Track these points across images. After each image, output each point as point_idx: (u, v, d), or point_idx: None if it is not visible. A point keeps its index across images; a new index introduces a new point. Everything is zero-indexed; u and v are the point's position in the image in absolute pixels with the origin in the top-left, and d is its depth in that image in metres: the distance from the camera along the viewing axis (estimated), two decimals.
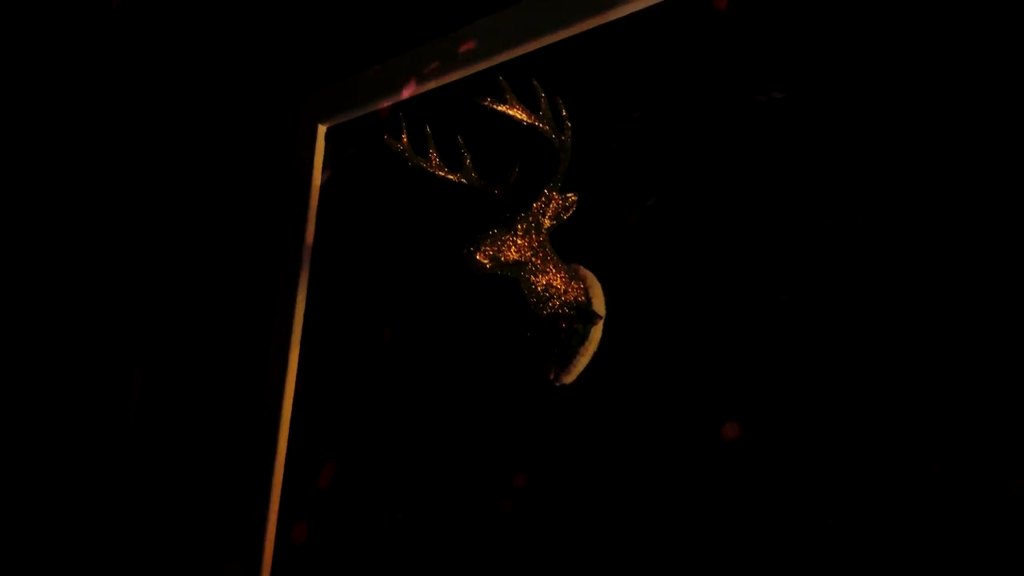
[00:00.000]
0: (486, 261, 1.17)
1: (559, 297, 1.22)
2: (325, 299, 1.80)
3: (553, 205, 1.22)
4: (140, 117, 2.43)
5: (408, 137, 1.27)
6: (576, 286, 1.24)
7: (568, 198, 1.22)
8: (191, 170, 2.21)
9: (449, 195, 1.49)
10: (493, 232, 1.18)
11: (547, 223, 1.22)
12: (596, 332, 1.24)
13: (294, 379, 1.79)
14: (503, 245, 1.19)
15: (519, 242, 1.20)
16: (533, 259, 1.21)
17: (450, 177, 1.28)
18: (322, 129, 1.90)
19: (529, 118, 1.14)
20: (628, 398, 1.22)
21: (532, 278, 1.21)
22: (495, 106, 1.12)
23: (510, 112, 1.13)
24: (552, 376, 1.25)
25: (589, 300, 1.24)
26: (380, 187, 1.75)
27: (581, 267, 1.27)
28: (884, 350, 1.00)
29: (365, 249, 1.75)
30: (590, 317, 1.23)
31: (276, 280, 1.85)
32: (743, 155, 1.18)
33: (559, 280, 1.23)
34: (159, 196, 2.29)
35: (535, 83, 1.15)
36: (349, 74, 1.85)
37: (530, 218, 1.21)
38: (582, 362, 1.24)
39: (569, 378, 1.25)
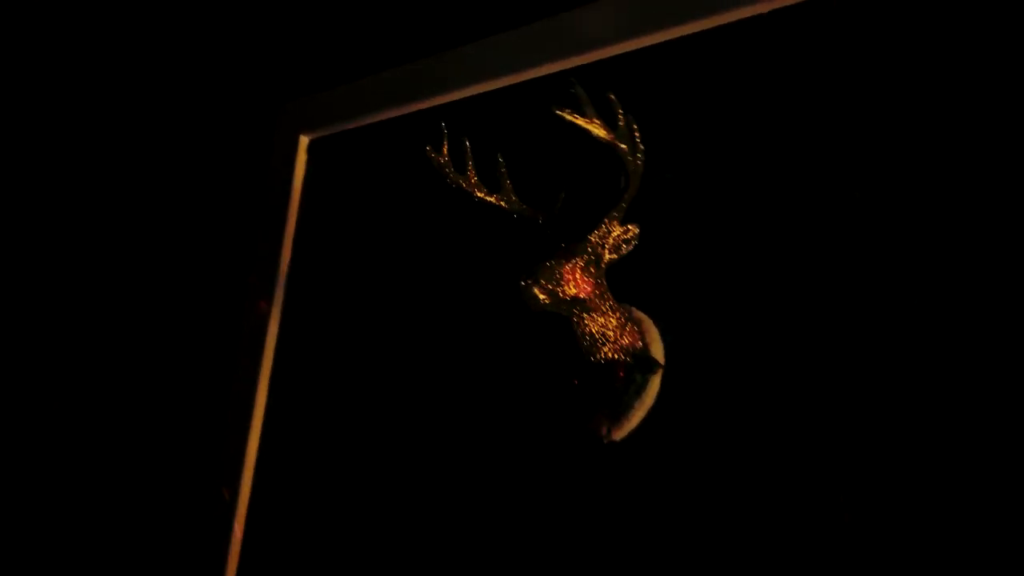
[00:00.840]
0: (544, 296, 1.02)
1: (614, 341, 1.08)
2: (302, 326, 1.60)
3: (614, 236, 1.07)
4: (108, 118, 2.17)
5: (449, 151, 1.11)
6: (632, 330, 1.09)
7: (629, 230, 1.08)
8: (161, 179, 1.97)
9: (448, 216, 1.34)
10: (550, 264, 1.03)
11: (607, 257, 1.07)
12: (654, 383, 1.09)
13: (261, 420, 1.58)
14: (562, 279, 1.03)
15: (578, 277, 1.05)
16: (591, 296, 1.06)
17: (489, 199, 1.13)
18: (304, 140, 1.72)
19: (608, 135, 0.99)
20: (685, 459, 1.08)
21: (587, 318, 1.06)
22: (574, 119, 0.97)
23: (588, 127, 0.98)
24: (604, 432, 1.10)
25: (646, 346, 1.10)
26: (368, 206, 1.58)
27: (635, 309, 1.13)
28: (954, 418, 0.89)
29: (349, 273, 1.56)
30: (650, 366, 1.08)
31: (246, 303, 1.64)
32: (813, 189, 1.06)
33: (615, 322, 1.08)
34: (126, 205, 2.03)
35: (612, 96, 1.01)
36: (339, 83, 1.68)
37: (589, 249, 1.06)
38: (637, 416, 1.09)
39: (620, 434, 1.10)
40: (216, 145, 1.86)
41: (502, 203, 1.13)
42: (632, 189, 1.05)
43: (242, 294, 1.64)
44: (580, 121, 0.98)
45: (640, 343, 1.09)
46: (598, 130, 0.99)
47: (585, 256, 1.05)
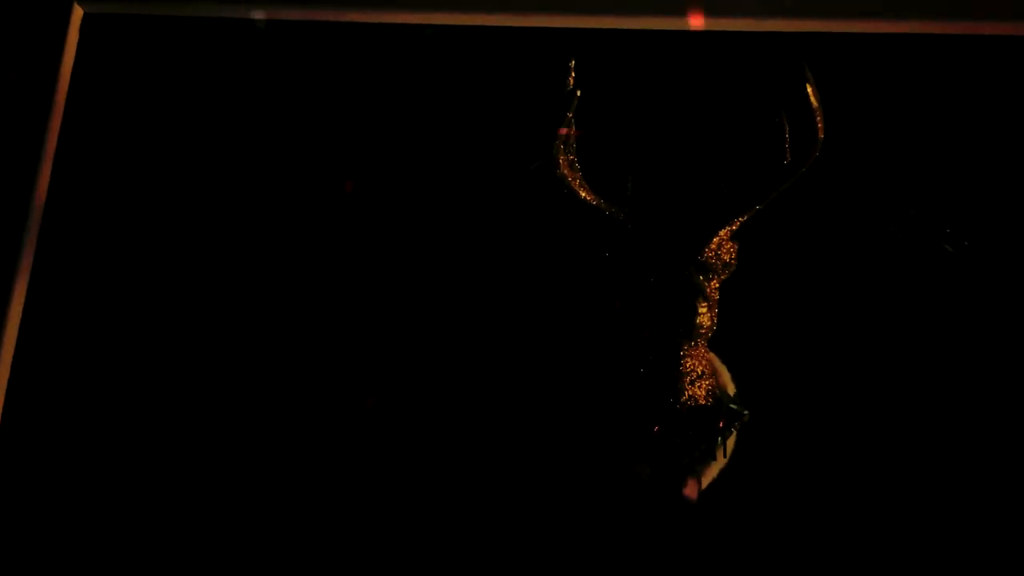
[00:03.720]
0: (711, 324, 0.80)
1: (709, 379, 0.87)
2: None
3: (725, 251, 0.87)
4: None
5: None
6: (712, 372, 0.90)
7: (735, 247, 0.89)
8: None
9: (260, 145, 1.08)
10: (704, 285, 0.81)
11: (723, 276, 0.87)
12: (734, 435, 0.91)
13: None
14: (710, 304, 0.82)
15: (714, 300, 0.84)
16: (713, 327, 0.85)
17: (575, 189, 0.86)
18: (79, 11, 1.15)
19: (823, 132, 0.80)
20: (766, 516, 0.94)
21: (694, 352, 0.85)
22: (816, 103, 0.76)
23: (818, 114, 0.77)
24: (696, 490, 0.88)
25: (723, 389, 0.91)
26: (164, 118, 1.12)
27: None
28: None
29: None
30: (740, 414, 0.90)
31: None
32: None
33: (707, 361, 0.88)
34: None
35: (810, 87, 0.81)
36: None
37: (719, 270, 0.85)
38: (716, 471, 0.91)
39: (698, 490, 0.90)
40: None
41: (584, 195, 0.86)
42: (770, 198, 0.86)
43: None
44: (818, 113, 0.77)
45: (718, 387, 0.90)
46: (821, 121, 0.78)
47: (721, 276, 0.84)
